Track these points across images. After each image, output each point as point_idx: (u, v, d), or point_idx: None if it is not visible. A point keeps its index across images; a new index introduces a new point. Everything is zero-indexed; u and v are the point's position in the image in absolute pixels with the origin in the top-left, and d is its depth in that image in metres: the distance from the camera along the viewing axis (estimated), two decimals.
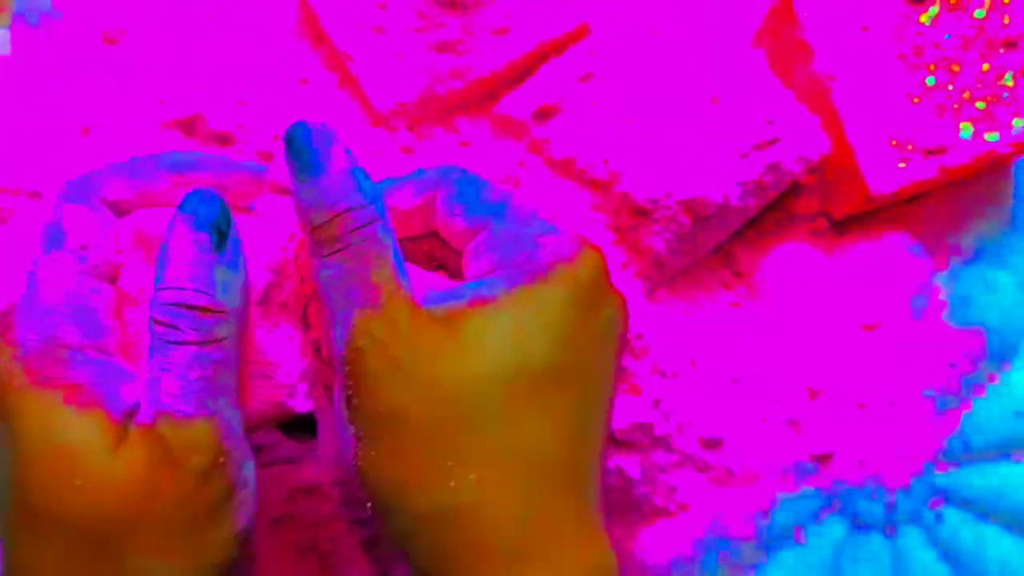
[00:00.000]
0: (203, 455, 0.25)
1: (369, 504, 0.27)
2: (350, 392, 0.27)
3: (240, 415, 0.27)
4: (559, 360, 0.27)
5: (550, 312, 0.27)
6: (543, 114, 0.38)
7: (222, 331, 0.26)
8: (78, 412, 0.25)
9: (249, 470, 0.27)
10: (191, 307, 0.25)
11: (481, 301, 0.27)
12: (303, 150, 0.27)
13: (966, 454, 0.40)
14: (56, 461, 0.24)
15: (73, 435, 0.25)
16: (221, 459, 0.26)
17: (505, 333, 0.26)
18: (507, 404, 0.26)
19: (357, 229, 0.27)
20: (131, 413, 0.26)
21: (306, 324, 0.33)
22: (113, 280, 0.29)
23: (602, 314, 0.28)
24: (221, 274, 0.26)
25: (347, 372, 0.27)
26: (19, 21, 0.41)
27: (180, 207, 0.26)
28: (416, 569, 0.27)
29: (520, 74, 0.40)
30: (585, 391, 0.28)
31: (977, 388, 0.41)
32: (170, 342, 0.25)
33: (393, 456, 0.26)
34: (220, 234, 0.26)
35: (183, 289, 0.25)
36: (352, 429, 0.27)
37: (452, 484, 0.25)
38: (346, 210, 0.27)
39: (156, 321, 0.25)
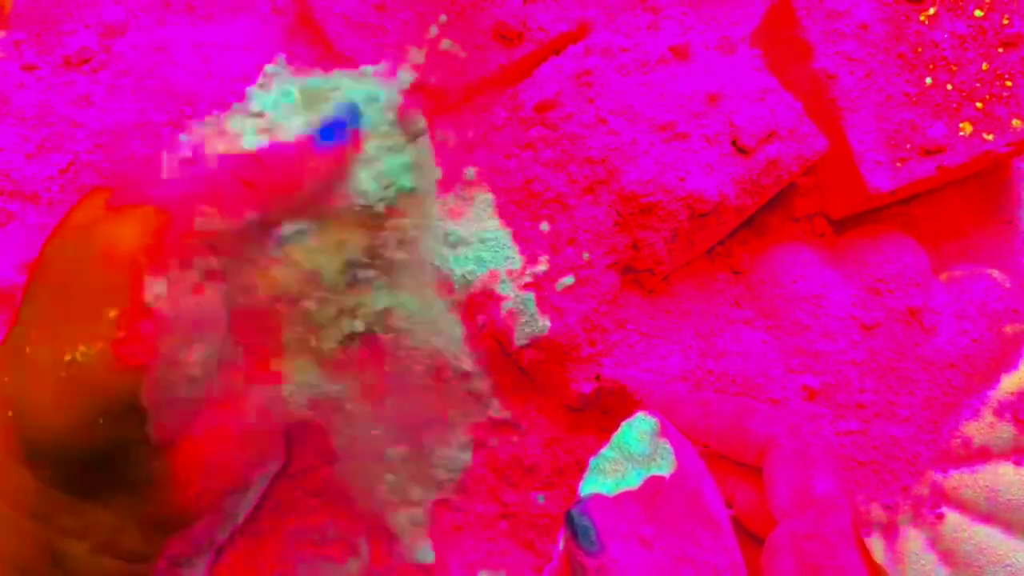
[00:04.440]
0: (112, 231, 0.24)
1: None
2: None
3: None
4: None
5: None
6: (542, 113, 0.38)
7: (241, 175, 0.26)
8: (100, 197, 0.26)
9: (172, 332, 0.25)
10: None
11: None
12: (587, 530, 0.28)
13: (966, 455, 0.40)
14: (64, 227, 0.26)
15: (95, 211, 0.26)
16: (133, 253, 0.24)
17: None
18: None
19: None
20: None
21: None
22: None
23: None
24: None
25: None
26: None
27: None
28: None
29: (520, 74, 0.40)
30: None
31: (977, 389, 0.41)
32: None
33: None
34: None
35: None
36: None
37: None
38: None
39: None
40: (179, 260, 0.25)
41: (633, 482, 0.31)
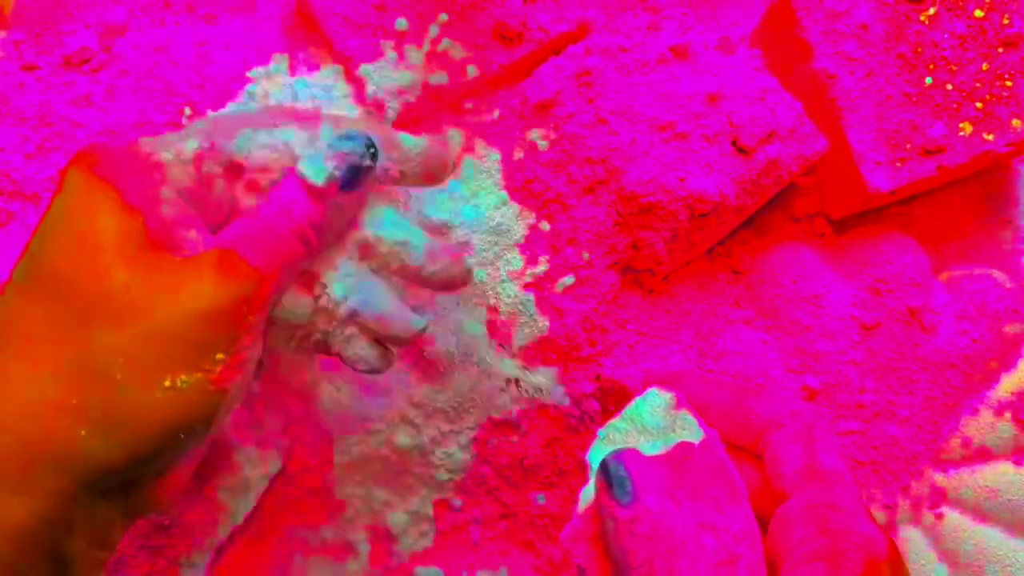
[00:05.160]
0: (229, 292, 0.27)
1: None
2: None
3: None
4: None
5: None
6: (542, 113, 0.38)
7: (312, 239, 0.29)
8: (131, 209, 0.27)
9: (252, 361, 0.28)
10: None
11: None
12: (623, 480, 0.28)
13: (966, 454, 0.40)
14: (90, 233, 0.27)
15: (121, 223, 0.27)
16: (244, 311, 0.27)
17: None
18: None
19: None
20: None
21: None
22: None
23: None
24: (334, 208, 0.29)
25: None
26: None
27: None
28: None
29: (520, 74, 0.40)
30: None
31: (977, 388, 0.41)
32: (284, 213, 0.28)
33: None
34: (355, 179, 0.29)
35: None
36: None
37: None
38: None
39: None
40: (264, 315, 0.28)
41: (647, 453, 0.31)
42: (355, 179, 0.29)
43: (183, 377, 0.26)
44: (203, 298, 0.27)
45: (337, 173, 0.29)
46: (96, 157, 0.28)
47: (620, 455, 0.28)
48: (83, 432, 0.26)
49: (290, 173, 0.29)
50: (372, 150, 0.29)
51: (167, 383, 0.26)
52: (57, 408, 0.26)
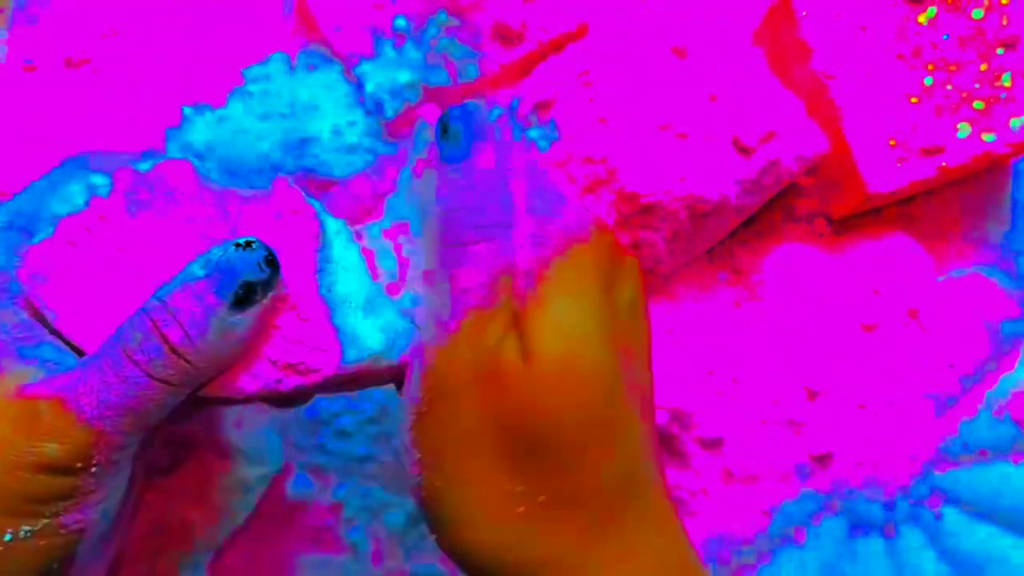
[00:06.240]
0: (63, 450, 0.24)
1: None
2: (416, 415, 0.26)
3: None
4: None
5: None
6: (541, 112, 0.38)
7: (175, 379, 0.25)
8: None
9: (114, 492, 0.26)
10: (166, 341, 0.24)
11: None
12: (457, 133, 0.26)
13: (965, 454, 0.40)
14: None
15: None
16: (81, 464, 0.24)
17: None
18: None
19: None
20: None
21: None
22: None
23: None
24: (219, 325, 0.25)
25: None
26: None
27: (224, 249, 0.25)
28: None
29: (520, 74, 0.40)
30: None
31: (976, 389, 0.41)
32: (126, 355, 0.24)
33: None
34: (248, 296, 0.25)
35: (172, 323, 0.24)
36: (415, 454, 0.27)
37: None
38: None
39: (126, 330, 0.25)
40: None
41: None
42: (246, 296, 0.25)
43: (25, 527, 0.24)
44: (22, 453, 0.24)
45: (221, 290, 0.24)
46: None
47: (465, 110, 0.26)
48: None
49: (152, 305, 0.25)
50: (268, 258, 0.25)
51: (7, 536, 0.24)
52: None
